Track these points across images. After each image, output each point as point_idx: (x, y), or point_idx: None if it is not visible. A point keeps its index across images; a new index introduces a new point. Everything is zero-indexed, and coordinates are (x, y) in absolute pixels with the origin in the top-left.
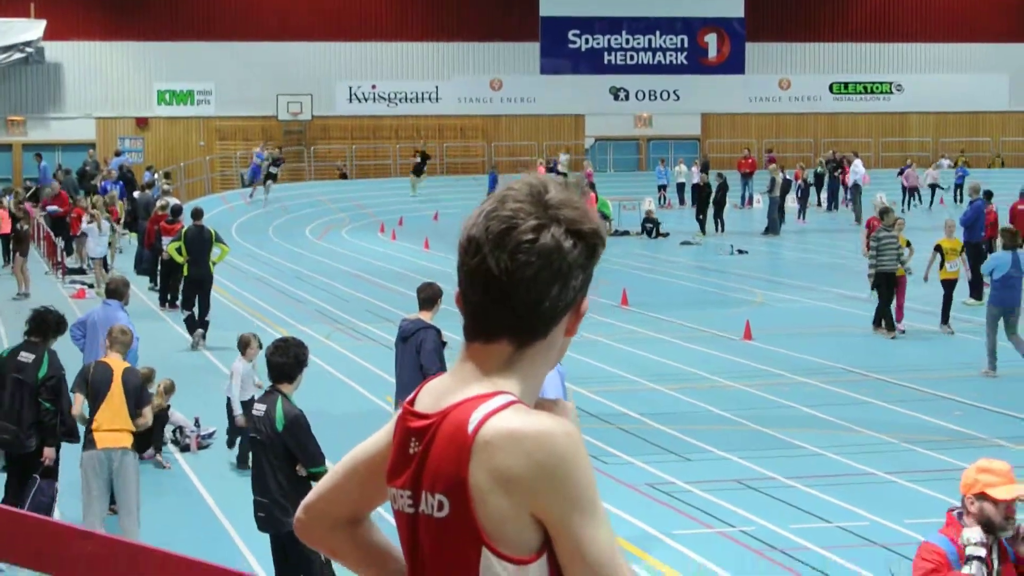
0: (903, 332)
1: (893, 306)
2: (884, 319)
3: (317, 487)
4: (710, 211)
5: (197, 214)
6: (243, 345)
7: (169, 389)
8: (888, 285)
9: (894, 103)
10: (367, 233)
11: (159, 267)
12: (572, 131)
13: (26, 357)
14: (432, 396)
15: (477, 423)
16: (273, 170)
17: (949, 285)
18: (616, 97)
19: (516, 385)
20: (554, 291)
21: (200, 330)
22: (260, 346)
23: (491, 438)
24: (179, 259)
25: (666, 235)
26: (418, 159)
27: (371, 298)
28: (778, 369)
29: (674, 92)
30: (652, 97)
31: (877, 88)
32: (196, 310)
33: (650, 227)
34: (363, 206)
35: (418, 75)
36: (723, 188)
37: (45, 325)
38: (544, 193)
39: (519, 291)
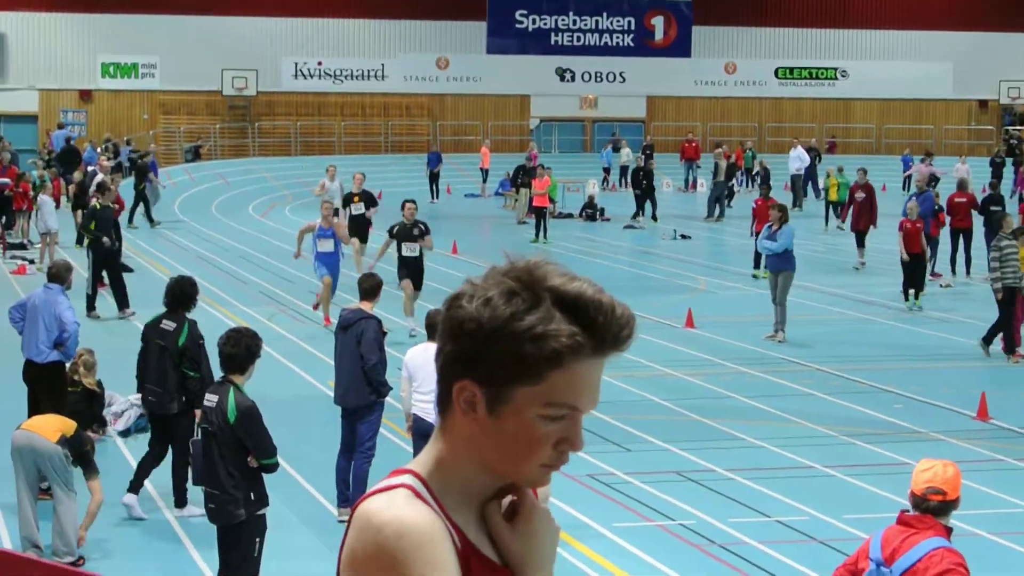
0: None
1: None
2: (1004, 338)
3: None
4: (666, 197)
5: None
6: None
7: (89, 366)
8: (1013, 300)
9: (839, 89)
10: (311, 211)
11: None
12: (517, 111)
13: (168, 325)
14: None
15: (363, 498)
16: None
17: None
18: (562, 78)
19: (429, 463)
20: (438, 346)
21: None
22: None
23: (356, 516)
24: (88, 235)
25: (608, 219)
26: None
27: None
28: (720, 358)
29: (620, 74)
30: (598, 79)
31: (822, 74)
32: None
33: (591, 212)
34: (307, 184)
35: (364, 52)
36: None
37: (183, 295)
38: (515, 266)
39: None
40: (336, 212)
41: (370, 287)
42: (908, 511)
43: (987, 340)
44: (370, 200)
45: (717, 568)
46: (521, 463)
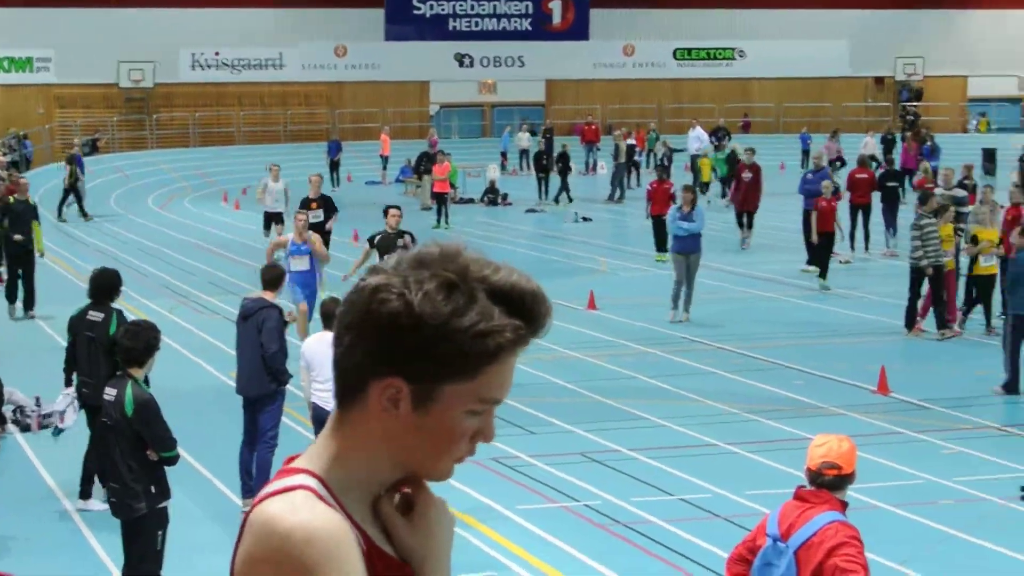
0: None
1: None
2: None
3: None
4: (557, 180)
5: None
6: None
7: None
8: (938, 277)
9: (737, 69)
10: (210, 202)
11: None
12: (417, 98)
13: (95, 316)
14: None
15: (257, 500)
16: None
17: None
18: (461, 64)
19: (326, 462)
20: (347, 338)
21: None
22: None
23: (253, 520)
24: None
25: (510, 203)
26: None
27: (215, 270)
28: (622, 339)
29: (519, 58)
30: (496, 63)
31: (720, 54)
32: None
33: (492, 196)
34: (206, 175)
35: (262, 42)
36: (564, 157)
37: (108, 285)
38: (434, 257)
39: (334, 335)
40: (281, 220)
41: (272, 277)
42: (805, 486)
43: (909, 320)
44: (329, 206)
45: (622, 547)
46: (440, 458)
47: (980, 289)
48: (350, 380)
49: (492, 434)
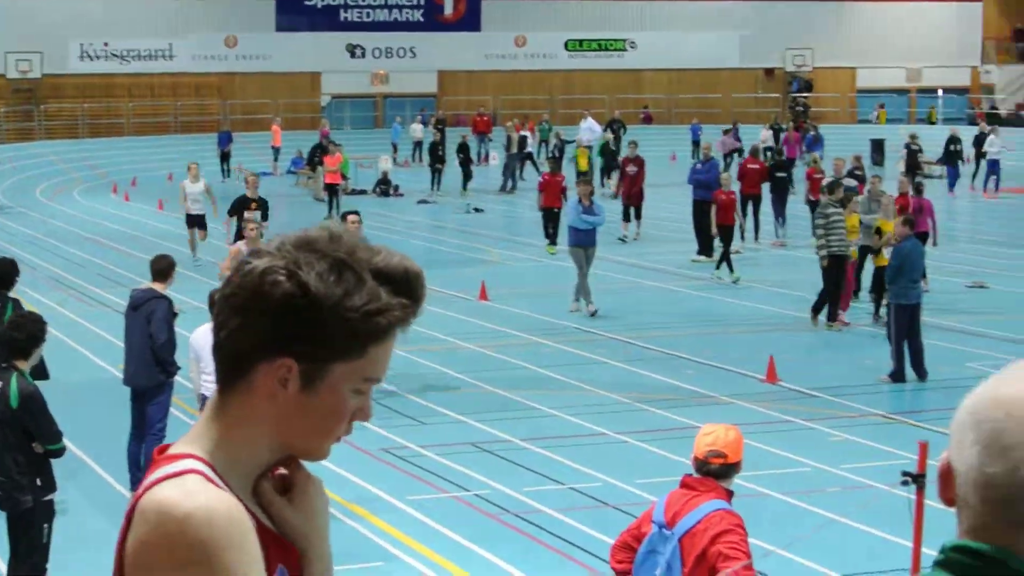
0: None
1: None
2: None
3: None
4: (450, 171)
5: None
6: None
7: None
8: (840, 268)
9: (628, 60)
10: (100, 194)
11: None
12: (308, 89)
13: None
14: (175, 443)
15: (145, 487)
16: None
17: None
18: (352, 55)
19: (209, 445)
20: (234, 322)
21: None
22: None
23: (144, 506)
24: None
25: (401, 195)
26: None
27: (105, 262)
28: (513, 330)
29: (410, 49)
30: (388, 55)
31: (611, 45)
32: None
33: (384, 187)
34: (95, 166)
35: (152, 32)
36: (464, 148)
37: (4, 275)
38: (317, 239)
39: (214, 314)
40: (203, 224)
41: (162, 268)
42: (692, 475)
43: (816, 310)
44: (266, 208)
45: (512, 536)
46: (325, 438)
47: (877, 278)
48: (236, 363)
49: (370, 413)
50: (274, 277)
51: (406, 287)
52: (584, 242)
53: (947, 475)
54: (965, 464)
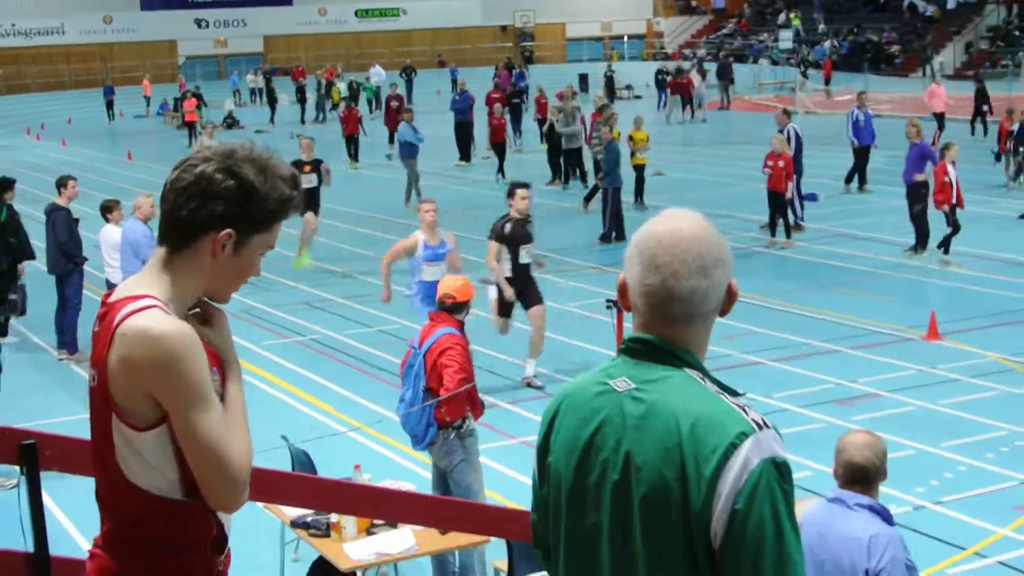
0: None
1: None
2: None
3: None
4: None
5: None
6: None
7: None
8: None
9: (401, 23)
10: (17, 136)
11: None
12: (168, 53)
13: None
14: (119, 290)
15: (121, 317)
16: None
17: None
18: (199, 26)
19: (162, 289)
20: (192, 205)
21: None
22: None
23: (125, 331)
24: None
25: (243, 127)
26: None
27: (23, 185)
28: (342, 223)
29: (242, 20)
30: (227, 25)
31: (389, 12)
32: None
33: (231, 122)
34: (12, 116)
35: (48, 14)
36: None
37: None
38: (236, 151)
39: (168, 199)
40: None
41: (61, 182)
42: (435, 311)
43: (587, 200)
44: (320, 171)
45: (343, 370)
46: (236, 286)
47: (637, 172)
48: (190, 232)
49: (259, 271)
50: (222, 176)
51: (293, 184)
52: (415, 153)
53: (623, 288)
54: (633, 279)
